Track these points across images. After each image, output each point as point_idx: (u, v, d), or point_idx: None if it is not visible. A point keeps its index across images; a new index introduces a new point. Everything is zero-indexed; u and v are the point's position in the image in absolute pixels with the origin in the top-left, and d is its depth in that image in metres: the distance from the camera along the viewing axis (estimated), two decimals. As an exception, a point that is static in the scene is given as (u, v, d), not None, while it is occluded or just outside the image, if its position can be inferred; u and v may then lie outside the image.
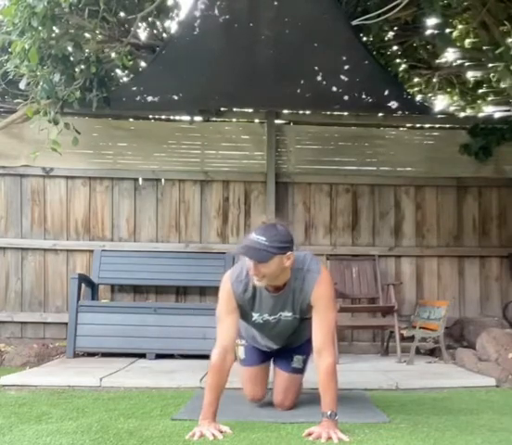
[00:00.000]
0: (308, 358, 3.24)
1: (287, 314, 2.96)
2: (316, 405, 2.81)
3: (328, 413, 2.67)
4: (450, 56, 6.23)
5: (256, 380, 3.29)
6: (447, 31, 5.51)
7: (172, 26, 5.24)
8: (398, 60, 6.12)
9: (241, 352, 3.31)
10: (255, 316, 2.97)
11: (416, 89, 6.71)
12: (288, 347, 3.22)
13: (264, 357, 3.33)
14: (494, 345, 4.32)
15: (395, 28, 5.62)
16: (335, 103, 5.48)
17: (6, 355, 4.97)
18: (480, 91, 6.47)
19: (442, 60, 6.27)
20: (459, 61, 6.23)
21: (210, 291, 5.61)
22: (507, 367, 4.07)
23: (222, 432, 2.64)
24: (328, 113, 6.01)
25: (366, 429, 2.75)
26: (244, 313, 2.96)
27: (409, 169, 5.98)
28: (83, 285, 5.30)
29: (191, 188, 5.87)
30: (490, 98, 6.51)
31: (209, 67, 4.64)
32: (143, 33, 5.38)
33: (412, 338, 4.95)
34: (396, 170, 5.97)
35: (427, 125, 6.10)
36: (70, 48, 4.46)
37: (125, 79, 5.62)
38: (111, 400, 3.47)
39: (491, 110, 6.60)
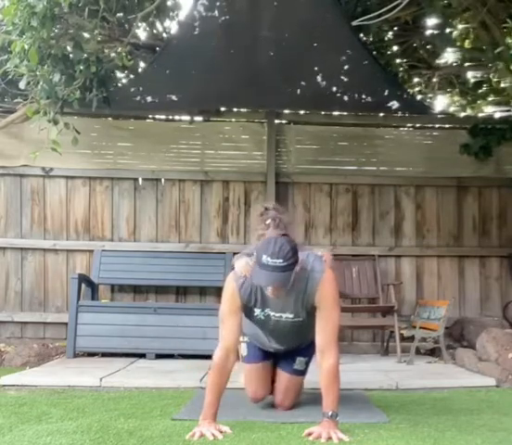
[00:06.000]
0: (310, 360, 3.22)
1: (288, 316, 2.94)
2: (317, 405, 2.81)
3: (329, 413, 2.67)
4: (450, 56, 6.25)
5: (258, 378, 3.25)
6: (447, 30, 5.52)
7: (173, 26, 5.25)
8: (398, 60, 6.13)
9: (243, 349, 3.28)
10: (257, 312, 2.95)
11: (416, 89, 6.72)
12: (293, 348, 3.21)
13: (266, 354, 3.30)
14: (494, 345, 4.31)
15: (395, 28, 5.64)
16: (335, 103, 5.48)
17: (6, 355, 4.97)
18: (480, 91, 6.48)
19: (442, 60, 6.29)
20: (459, 61, 6.25)
21: (210, 291, 5.61)
22: (507, 367, 4.07)
23: (222, 432, 2.63)
24: (328, 113, 6.00)
25: (366, 429, 2.74)
26: (247, 310, 2.94)
27: (409, 169, 5.97)
28: (83, 285, 5.30)
29: (191, 188, 5.86)
30: (490, 98, 6.52)
31: (209, 67, 4.65)
32: (143, 33, 5.39)
33: (412, 338, 4.95)
34: (396, 170, 5.96)
35: (427, 125, 6.09)
36: (69, 48, 4.47)
37: (125, 79, 5.62)
38: (111, 400, 3.47)
39: (491, 110, 6.61)
